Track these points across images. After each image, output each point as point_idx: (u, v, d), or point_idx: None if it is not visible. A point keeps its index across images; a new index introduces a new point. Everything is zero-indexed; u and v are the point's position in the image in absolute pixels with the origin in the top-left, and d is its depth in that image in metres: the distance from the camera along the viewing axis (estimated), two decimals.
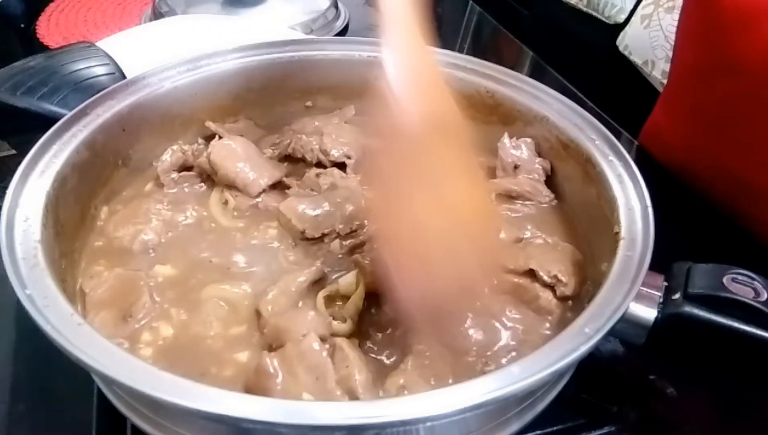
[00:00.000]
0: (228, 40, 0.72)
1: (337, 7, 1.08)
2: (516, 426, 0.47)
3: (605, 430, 0.51)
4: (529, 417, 0.47)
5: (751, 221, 0.70)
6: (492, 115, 0.67)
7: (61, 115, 0.56)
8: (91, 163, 0.56)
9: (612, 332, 0.42)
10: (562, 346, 0.40)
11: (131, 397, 0.45)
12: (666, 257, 0.48)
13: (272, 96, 0.70)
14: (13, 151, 0.69)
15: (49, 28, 1.04)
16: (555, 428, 0.50)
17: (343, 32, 1.05)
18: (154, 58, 0.63)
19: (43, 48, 0.98)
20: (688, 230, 0.68)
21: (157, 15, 1.01)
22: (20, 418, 0.52)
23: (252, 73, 0.68)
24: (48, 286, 0.42)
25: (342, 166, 0.64)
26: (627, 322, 0.44)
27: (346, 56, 0.70)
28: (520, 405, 0.46)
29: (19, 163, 0.51)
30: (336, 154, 0.64)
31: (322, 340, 0.47)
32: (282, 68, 0.69)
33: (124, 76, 0.69)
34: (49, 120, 0.57)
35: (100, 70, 0.70)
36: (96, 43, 0.75)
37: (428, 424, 0.39)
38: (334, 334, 0.48)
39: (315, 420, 0.36)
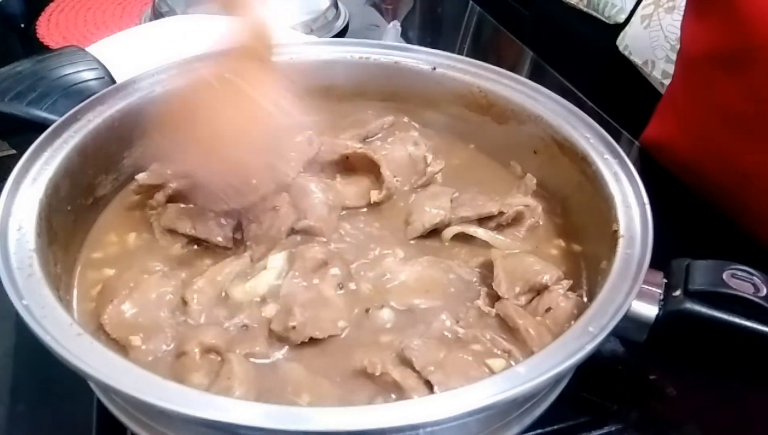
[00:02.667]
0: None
1: (337, 7, 1.07)
2: (516, 429, 0.47)
3: (606, 429, 0.51)
4: (528, 421, 0.47)
5: (754, 220, 0.69)
6: (485, 115, 0.67)
7: (51, 121, 0.56)
8: (84, 169, 0.56)
9: (614, 331, 0.42)
10: (567, 345, 0.40)
11: (132, 406, 0.44)
12: (663, 254, 0.48)
13: None
14: (13, 151, 0.68)
15: (49, 28, 1.04)
16: (556, 427, 0.50)
17: (343, 32, 1.05)
18: (149, 60, 0.62)
19: (43, 48, 0.98)
20: (683, 226, 0.68)
21: (157, 15, 0.99)
22: (20, 419, 0.52)
23: None
24: (45, 295, 0.42)
25: None
26: (628, 320, 0.44)
27: (341, 58, 0.69)
28: (520, 408, 0.46)
29: None
30: None
31: (216, 351, 0.46)
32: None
33: (113, 81, 0.68)
34: (39, 125, 0.56)
35: (89, 75, 0.69)
36: (88, 47, 0.74)
37: (432, 428, 0.38)
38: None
39: (324, 427, 0.36)
